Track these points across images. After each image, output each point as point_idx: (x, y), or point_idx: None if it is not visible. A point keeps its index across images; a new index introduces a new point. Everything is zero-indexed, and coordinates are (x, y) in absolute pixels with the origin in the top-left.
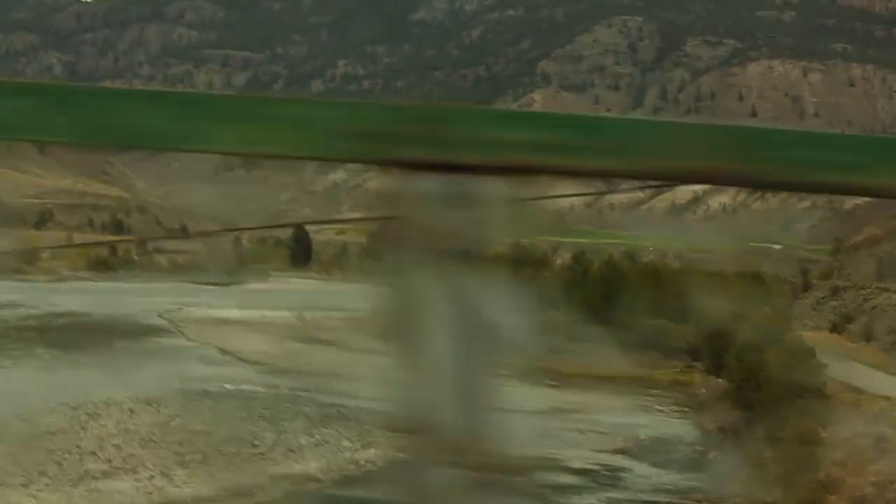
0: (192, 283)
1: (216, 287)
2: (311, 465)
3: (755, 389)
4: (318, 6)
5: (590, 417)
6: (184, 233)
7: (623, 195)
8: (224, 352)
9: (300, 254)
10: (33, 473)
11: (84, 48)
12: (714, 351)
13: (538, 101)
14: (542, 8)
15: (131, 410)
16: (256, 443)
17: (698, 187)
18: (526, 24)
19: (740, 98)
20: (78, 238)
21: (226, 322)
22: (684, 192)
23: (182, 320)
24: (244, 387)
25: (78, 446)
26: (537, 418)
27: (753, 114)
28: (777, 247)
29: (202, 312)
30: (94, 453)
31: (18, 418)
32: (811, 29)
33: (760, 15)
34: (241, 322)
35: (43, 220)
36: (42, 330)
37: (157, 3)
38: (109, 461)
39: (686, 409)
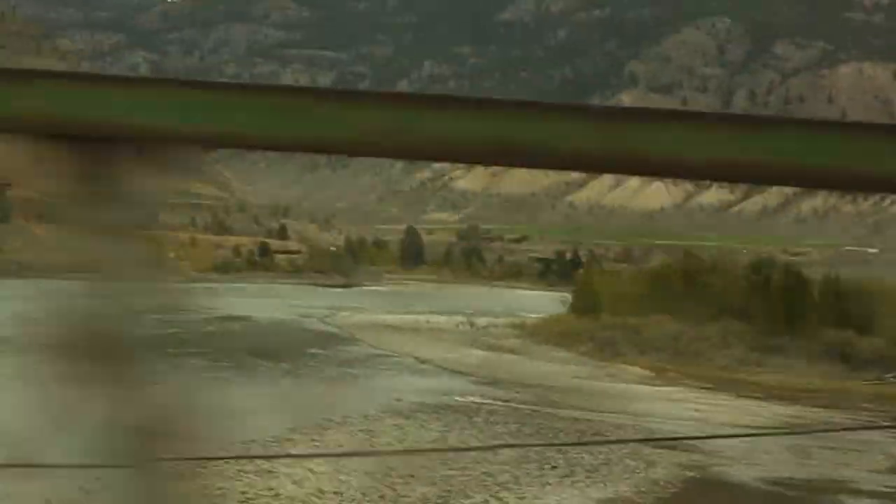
0: (313, 284)
1: (341, 289)
2: (621, 487)
3: None
4: (403, 6)
5: (833, 435)
6: (282, 233)
7: (712, 196)
8: (421, 360)
9: (411, 255)
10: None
11: (169, 47)
12: None
13: (626, 102)
14: (629, 9)
15: (395, 425)
16: (553, 464)
17: (789, 190)
18: (613, 25)
19: (830, 100)
20: (183, 238)
21: (395, 328)
22: (775, 194)
23: (349, 325)
24: (472, 399)
25: (387, 465)
26: (783, 437)
27: (843, 116)
28: (872, 250)
29: (364, 317)
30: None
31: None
32: None
33: (850, 17)
34: (411, 328)
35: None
36: (224, 335)
37: (242, 3)
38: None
39: None
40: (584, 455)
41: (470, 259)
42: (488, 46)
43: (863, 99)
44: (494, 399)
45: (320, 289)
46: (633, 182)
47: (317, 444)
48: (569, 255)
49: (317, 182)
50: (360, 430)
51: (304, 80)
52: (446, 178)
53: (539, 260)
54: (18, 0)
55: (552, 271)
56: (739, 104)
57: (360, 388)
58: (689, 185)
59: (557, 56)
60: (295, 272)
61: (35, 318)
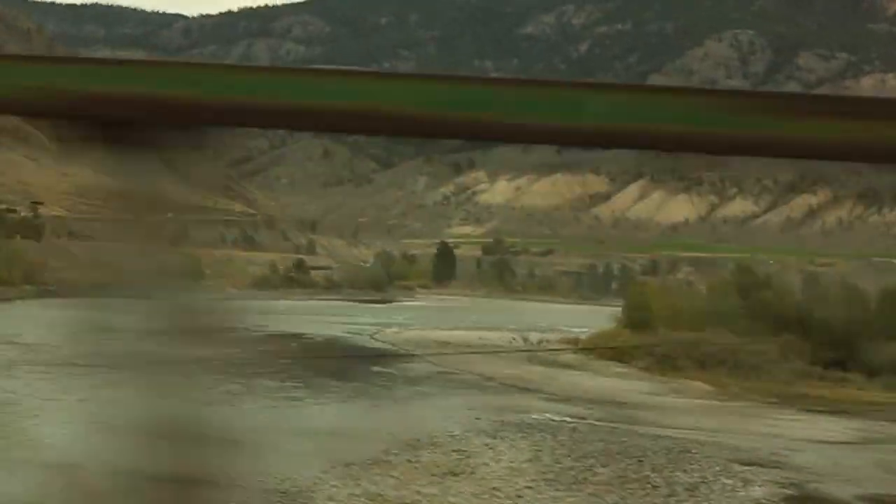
0: (350, 300)
1: (379, 305)
2: None
3: None
4: (425, 20)
5: None
6: (311, 248)
7: (737, 208)
8: (485, 377)
9: (444, 270)
10: None
11: None
12: None
13: None
14: (651, 22)
15: (486, 445)
16: (654, 484)
17: (814, 201)
18: (634, 38)
19: None
20: (217, 254)
21: (449, 344)
22: (799, 205)
23: (402, 342)
24: (549, 416)
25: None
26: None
27: None
28: None
29: (413, 334)
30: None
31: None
32: None
33: (872, 28)
34: (464, 344)
35: (179, 236)
36: (283, 354)
37: (264, 19)
38: None
39: None
40: (678, 474)
41: (502, 273)
42: (511, 60)
43: None
44: (571, 416)
45: (359, 305)
46: (657, 195)
47: (415, 465)
48: (601, 269)
49: (340, 197)
50: (454, 451)
51: None
52: (469, 191)
53: (571, 273)
54: (41, 17)
55: (585, 285)
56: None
57: (436, 407)
58: (713, 197)
59: (579, 69)
60: (330, 288)
61: (82, 336)
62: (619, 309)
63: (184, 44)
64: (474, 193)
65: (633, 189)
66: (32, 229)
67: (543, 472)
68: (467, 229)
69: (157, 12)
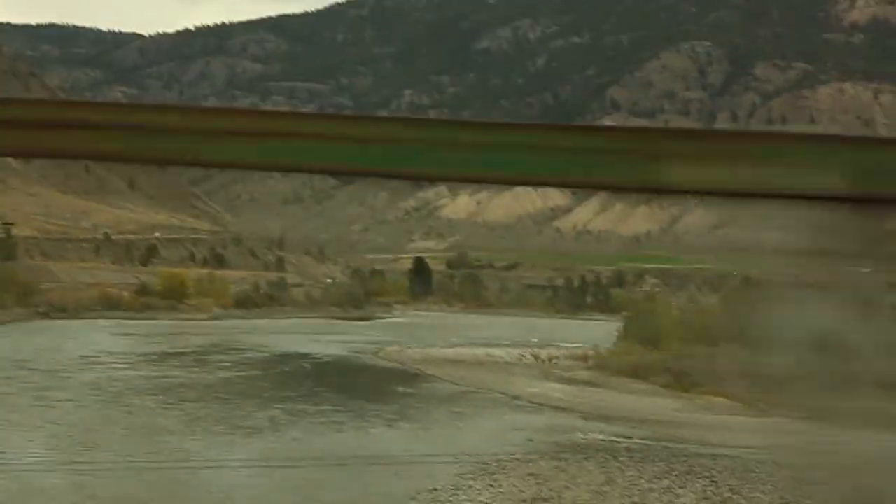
0: (331, 318)
1: (361, 322)
2: None
3: None
4: (381, 37)
5: None
6: (280, 265)
7: (698, 220)
8: (511, 396)
9: (420, 285)
10: None
11: (149, 82)
12: None
13: None
14: (607, 35)
15: (556, 468)
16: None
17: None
18: (591, 51)
19: (812, 121)
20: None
21: (458, 362)
22: (760, 215)
23: (410, 361)
24: (596, 437)
25: None
26: None
27: None
28: (865, 270)
29: (415, 353)
30: None
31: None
32: (880, 51)
33: (829, 38)
34: (474, 362)
35: (150, 255)
36: (300, 376)
37: (220, 37)
38: None
39: None
40: (757, 495)
41: (475, 288)
42: (467, 75)
43: (844, 119)
44: (617, 436)
45: (341, 322)
46: (618, 207)
47: (499, 490)
48: (575, 283)
49: (300, 213)
50: (529, 475)
51: None
52: (431, 206)
53: (544, 287)
54: None
55: (561, 299)
56: (722, 127)
57: (481, 429)
58: (674, 209)
59: (537, 83)
60: (311, 306)
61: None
62: (600, 322)
63: (140, 62)
64: (436, 208)
65: (594, 202)
66: (7, 250)
67: (629, 496)
68: (430, 244)
69: (114, 31)
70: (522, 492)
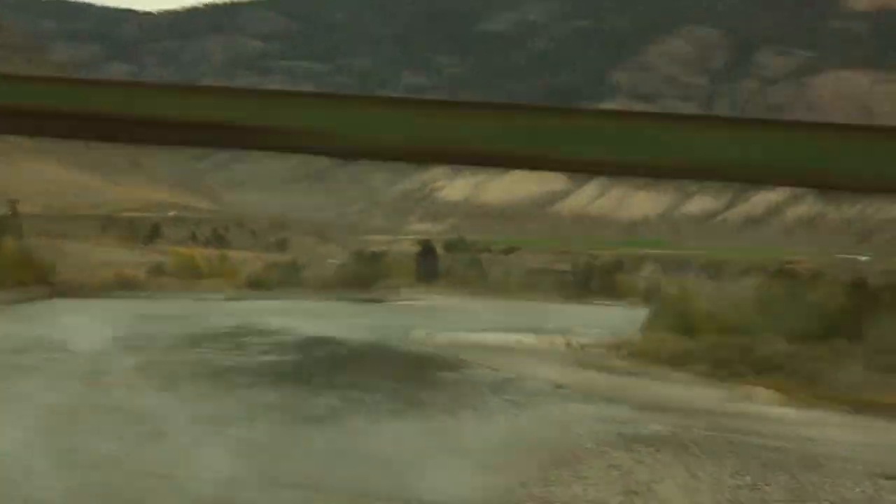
0: (343, 300)
1: (375, 304)
2: None
3: None
4: (381, 17)
5: None
6: (283, 246)
7: (696, 205)
8: (557, 385)
9: (428, 269)
10: None
11: (148, 59)
12: None
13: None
14: (608, 19)
15: (636, 461)
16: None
17: (774, 198)
18: (593, 35)
19: (811, 108)
20: (190, 252)
21: (491, 349)
22: (760, 202)
23: (444, 347)
24: (656, 428)
25: None
26: None
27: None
28: (863, 258)
29: (445, 337)
30: None
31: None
32: (882, 39)
33: (831, 25)
34: (508, 348)
35: (153, 234)
36: (337, 362)
37: (220, 14)
38: None
39: None
40: (840, 490)
41: (479, 271)
42: (468, 56)
43: (844, 106)
44: (676, 428)
45: (353, 304)
46: (617, 191)
47: (584, 483)
48: (581, 266)
49: (299, 193)
50: (609, 466)
51: None
52: (428, 188)
53: (548, 272)
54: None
55: (569, 283)
56: (722, 112)
57: (541, 419)
58: (673, 194)
59: (538, 66)
60: (319, 287)
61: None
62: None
63: (140, 38)
64: (433, 190)
65: (592, 186)
66: (13, 228)
67: (720, 491)
68: (426, 226)
69: (116, 8)
70: (611, 485)
